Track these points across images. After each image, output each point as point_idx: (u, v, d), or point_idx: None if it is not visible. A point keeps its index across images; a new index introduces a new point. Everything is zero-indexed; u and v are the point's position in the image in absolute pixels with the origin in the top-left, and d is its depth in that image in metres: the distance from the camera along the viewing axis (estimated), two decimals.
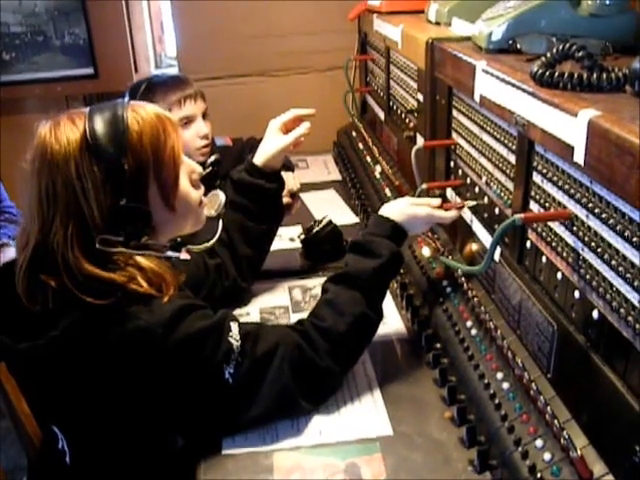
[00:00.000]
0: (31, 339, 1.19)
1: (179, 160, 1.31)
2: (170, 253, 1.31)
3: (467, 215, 1.55)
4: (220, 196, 1.54)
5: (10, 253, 2.33)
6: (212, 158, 2.43)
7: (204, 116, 2.33)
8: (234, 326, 1.27)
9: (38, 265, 1.20)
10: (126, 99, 1.31)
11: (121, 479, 1.30)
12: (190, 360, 1.21)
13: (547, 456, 1.06)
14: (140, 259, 1.22)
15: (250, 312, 1.75)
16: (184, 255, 1.44)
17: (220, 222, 1.55)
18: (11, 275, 1.23)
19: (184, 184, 1.33)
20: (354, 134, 2.93)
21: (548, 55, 1.12)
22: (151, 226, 1.26)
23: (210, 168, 2.44)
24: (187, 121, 2.28)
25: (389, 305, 1.74)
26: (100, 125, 1.21)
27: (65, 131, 1.21)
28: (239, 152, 2.77)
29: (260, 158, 1.75)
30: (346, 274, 1.43)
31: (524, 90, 1.13)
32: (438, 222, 1.60)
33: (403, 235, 1.49)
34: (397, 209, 1.51)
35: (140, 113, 1.26)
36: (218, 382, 1.23)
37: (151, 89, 2.27)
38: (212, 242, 1.51)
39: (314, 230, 1.99)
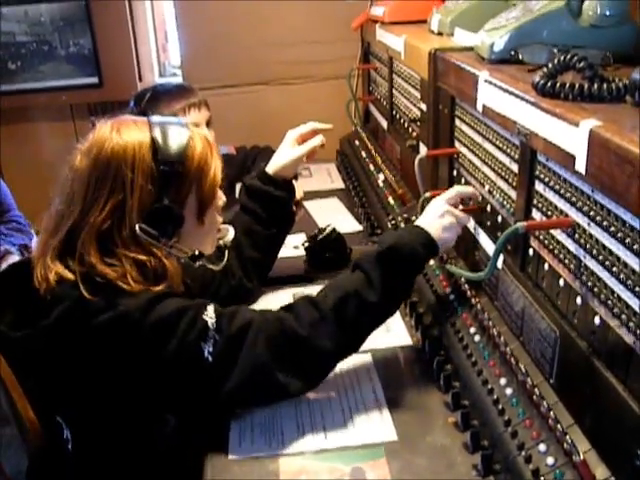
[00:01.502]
0: (26, 328, 1.27)
1: (218, 182, 1.41)
2: (189, 261, 1.40)
3: (471, 223, 1.56)
4: (230, 230, 1.66)
5: (13, 261, 2.35)
6: None
7: (208, 124, 2.36)
8: (210, 307, 1.30)
9: (63, 250, 1.29)
10: (181, 119, 1.48)
11: (122, 467, 1.34)
12: (167, 340, 1.24)
13: (550, 460, 1.07)
14: (165, 257, 1.32)
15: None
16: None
17: (226, 251, 1.60)
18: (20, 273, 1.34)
19: (214, 208, 1.43)
20: (357, 143, 2.94)
21: (550, 66, 1.13)
22: (179, 231, 1.35)
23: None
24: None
25: None
26: (165, 132, 1.33)
27: (129, 130, 1.32)
28: (243, 160, 2.79)
29: (273, 166, 1.82)
30: (353, 262, 1.44)
31: (526, 100, 1.14)
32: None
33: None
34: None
35: (195, 133, 1.39)
36: (197, 361, 1.25)
37: (156, 97, 2.29)
38: (220, 267, 1.55)
39: (318, 238, 2.00)
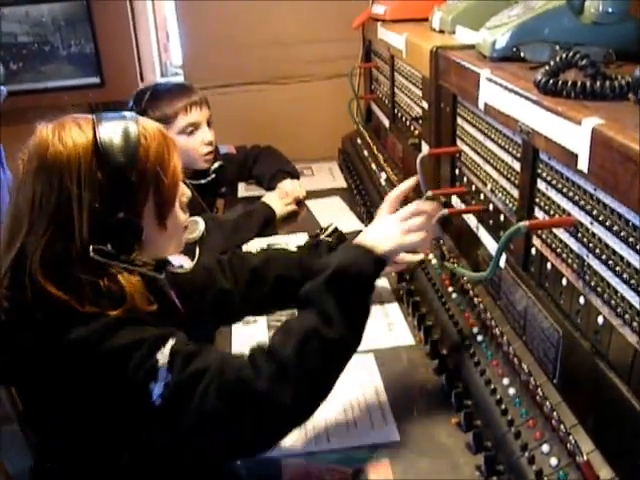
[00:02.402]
0: None
1: (179, 181, 1.30)
2: (152, 273, 1.27)
3: (473, 222, 1.55)
4: (200, 224, 1.47)
5: None
6: (216, 165, 2.46)
7: (208, 123, 2.36)
8: (170, 342, 1.14)
9: (16, 268, 1.17)
10: (132, 113, 1.30)
11: None
12: (116, 375, 1.12)
13: (554, 461, 1.07)
14: (121, 275, 1.18)
15: (257, 320, 1.76)
16: (187, 263, 1.46)
17: (197, 248, 1.46)
18: None
19: (177, 205, 1.31)
20: (359, 141, 2.94)
21: (552, 63, 1.13)
22: (140, 242, 1.23)
23: (214, 175, 2.47)
24: (193, 128, 2.32)
25: (396, 312, 1.75)
26: (112, 134, 1.19)
27: (71, 134, 1.19)
28: (243, 160, 2.79)
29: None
30: (299, 295, 1.27)
31: (528, 98, 1.14)
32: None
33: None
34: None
35: (147, 129, 1.25)
36: (145, 402, 1.11)
37: (157, 96, 2.29)
38: (190, 267, 1.45)
39: (320, 237, 1.99)
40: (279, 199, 2.50)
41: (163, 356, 1.12)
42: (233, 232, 2.27)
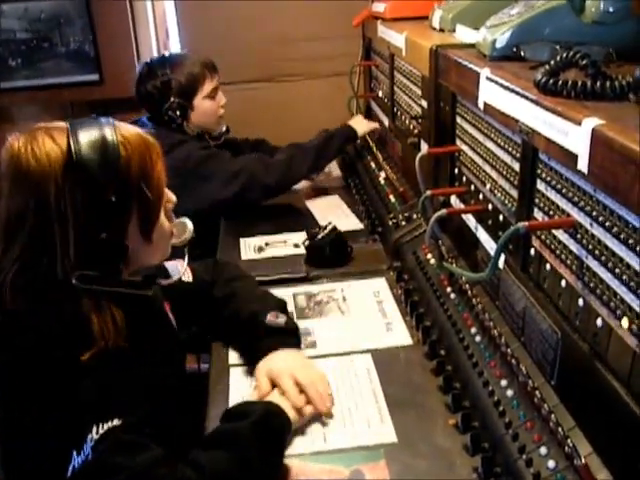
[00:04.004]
0: None
1: (163, 191, 1.23)
2: (141, 292, 1.22)
3: (472, 222, 1.55)
4: (188, 225, 1.38)
5: None
6: (224, 128, 2.63)
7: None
8: (112, 423, 1.04)
9: None
10: (109, 119, 1.20)
11: None
12: (57, 415, 1.05)
13: (551, 464, 1.06)
14: (94, 312, 1.11)
15: None
16: (186, 273, 1.46)
17: (186, 252, 1.41)
18: None
19: (162, 216, 1.26)
20: (358, 140, 2.93)
21: (552, 63, 1.12)
22: (125, 260, 1.17)
23: (226, 134, 2.63)
24: (214, 92, 2.49)
25: (394, 312, 1.74)
26: (87, 146, 1.10)
27: (45, 147, 1.10)
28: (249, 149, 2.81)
29: None
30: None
31: (528, 98, 1.13)
32: None
33: None
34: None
35: (127, 137, 1.16)
36: (64, 461, 1.02)
37: (178, 62, 2.44)
38: (176, 277, 1.41)
39: (318, 236, 1.99)
40: (362, 118, 2.76)
41: (97, 432, 1.03)
42: (316, 156, 2.51)
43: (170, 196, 1.29)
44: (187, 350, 1.52)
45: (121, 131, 1.16)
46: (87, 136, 1.11)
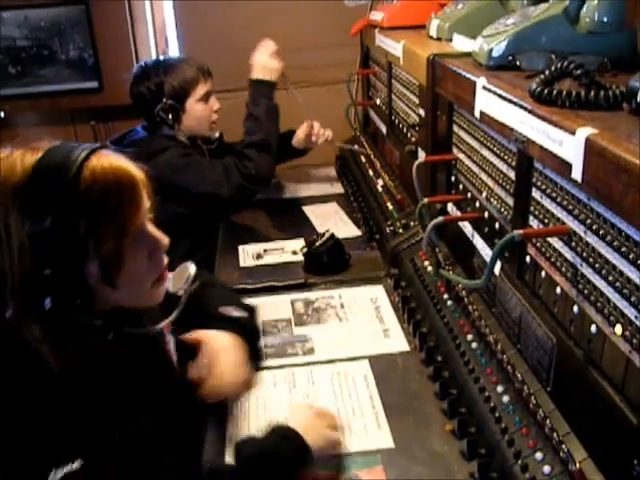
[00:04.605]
0: None
1: (138, 231, 1.09)
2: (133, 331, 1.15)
3: (468, 229, 1.56)
4: (190, 269, 1.26)
5: None
6: (217, 134, 2.63)
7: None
8: (71, 467, 0.96)
9: None
10: (92, 144, 1.10)
11: None
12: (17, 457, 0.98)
13: (547, 469, 1.07)
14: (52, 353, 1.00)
15: None
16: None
17: (184, 299, 1.25)
18: None
19: (137, 260, 1.10)
20: (356, 146, 2.94)
21: (547, 73, 1.13)
22: (84, 297, 1.05)
23: (218, 140, 2.62)
24: (207, 96, 2.48)
25: (391, 318, 1.75)
26: (44, 172, 1.00)
27: (10, 165, 1.01)
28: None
29: None
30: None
31: (523, 107, 1.14)
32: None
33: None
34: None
35: (97, 169, 1.03)
36: None
37: (172, 65, 2.44)
38: (164, 323, 1.23)
39: (316, 243, 2.00)
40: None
41: (54, 475, 0.95)
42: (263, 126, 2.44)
43: (160, 239, 1.15)
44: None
45: (96, 162, 1.04)
46: (50, 161, 1.02)
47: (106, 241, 1.03)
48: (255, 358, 1.44)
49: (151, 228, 1.14)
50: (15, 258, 0.98)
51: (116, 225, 1.04)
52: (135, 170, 1.09)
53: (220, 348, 1.36)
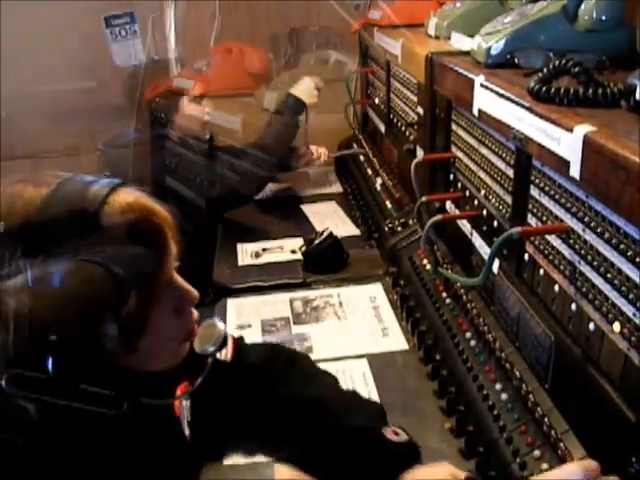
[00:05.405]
0: None
1: (168, 281, 0.92)
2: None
3: (467, 227, 1.56)
4: (218, 327, 1.06)
5: None
6: (207, 136, 2.58)
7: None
8: None
9: None
10: (115, 179, 0.91)
11: None
12: None
13: (545, 467, 1.07)
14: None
15: (252, 324, 1.77)
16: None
17: (209, 361, 1.03)
18: None
19: (164, 318, 0.93)
20: (355, 146, 2.94)
21: (545, 70, 1.13)
22: (97, 365, 0.84)
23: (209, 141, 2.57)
24: (202, 96, 2.50)
25: (390, 317, 1.75)
26: (55, 206, 0.82)
27: (19, 197, 0.83)
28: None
29: None
30: None
31: (521, 105, 1.14)
32: None
33: None
34: None
35: (122, 202, 0.86)
36: None
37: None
38: (187, 391, 1.03)
39: (315, 242, 2.00)
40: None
41: None
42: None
43: (188, 291, 0.98)
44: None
45: (117, 197, 0.87)
46: (63, 195, 0.85)
47: (127, 294, 0.84)
48: None
49: (179, 279, 0.97)
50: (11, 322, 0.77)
51: (141, 276, 0.86)
52: (162, 211, 0.92)
53: None
